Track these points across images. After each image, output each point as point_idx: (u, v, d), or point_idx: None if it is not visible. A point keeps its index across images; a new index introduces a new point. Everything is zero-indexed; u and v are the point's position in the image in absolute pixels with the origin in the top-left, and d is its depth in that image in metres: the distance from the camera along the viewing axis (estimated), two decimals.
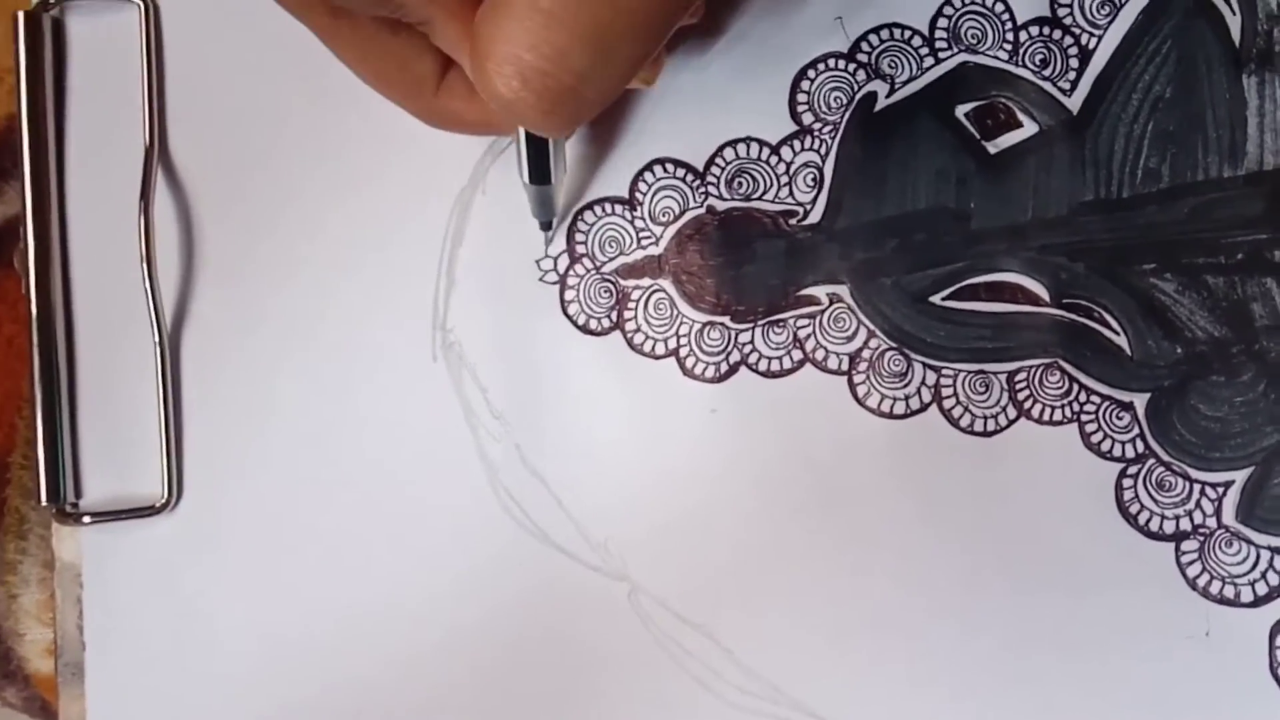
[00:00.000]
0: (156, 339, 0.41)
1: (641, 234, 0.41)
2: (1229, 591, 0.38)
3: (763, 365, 0.40)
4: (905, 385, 0.40)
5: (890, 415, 0.40)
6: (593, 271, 0.41)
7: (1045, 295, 0.39)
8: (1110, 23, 0.40)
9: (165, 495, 0.41)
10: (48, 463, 0.41)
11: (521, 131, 0.35)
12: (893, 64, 0.40)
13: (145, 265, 0.41)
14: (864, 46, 0.40)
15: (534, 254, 0.41)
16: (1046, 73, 0.40)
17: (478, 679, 0.40)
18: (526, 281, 0.41)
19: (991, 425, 0.39)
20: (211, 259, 0.42)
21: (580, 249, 0.41)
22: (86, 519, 0.41)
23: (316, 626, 0.40)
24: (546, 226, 0.41)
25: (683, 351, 0.40)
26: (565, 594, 0.40)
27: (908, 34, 0.40)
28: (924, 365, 0.40)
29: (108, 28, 0.43)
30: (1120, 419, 0.39)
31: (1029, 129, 0.40)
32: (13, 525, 0.48)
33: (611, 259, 0.41)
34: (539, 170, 0.36)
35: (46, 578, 0.44)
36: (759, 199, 0.40)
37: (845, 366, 0.40)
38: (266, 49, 0.42)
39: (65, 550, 0.41)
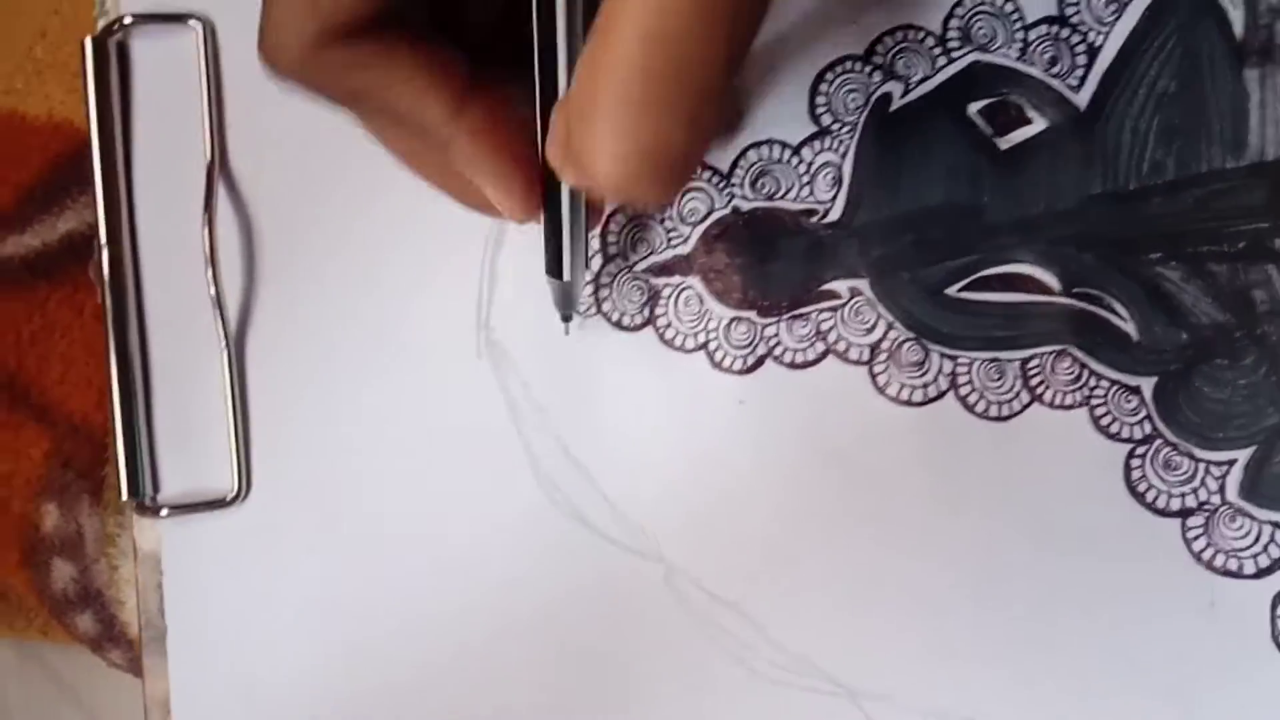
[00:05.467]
0: (223, 342, 0.44)
1: (671, 234, 0.43)
2: (1233, 565, 0.40)
3: (788, 357, 0.42)
4: (923, 374, 0.42)
5: (909, 403, 0.42)
6: (625, 271, 0.43)
7: (1056, 285, 0.41)
8: (1116, 20, 0.41)
9: (236, 488, 0.44)
10: (127, 460, 0.44)
11: (547, 230, 0.36)
12: (907, 65, 0.42)
13: (210, 272, 0.44)
14: (879, 49, 0.42)
15: None
16: (1055, 70, 0.41)
17: (525, 658, 0.43)
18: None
19: (1006, 410, 0.41)
20: (270, 265, 0.45)
21: (613, 249, 0.43)
22: (164, 511, 0.44)
23: (374, 610, 0.44)
24: (567, 319, 0.42)
25: (712, 345, 0.43)
26: (606, 576, 0.43)
27: (921, 35, 0.42)
28: (941, 354, 0.41)
29: (169, 49, 0.46)
30: (1128, 402, 0.41)
31: (1039, 125, 0.41)
32: (112, 501, 0.52)
33: (643, 258, 0.43)
34: (555, 264, 0.37)
35: None
36: (781, 199, 0.42)
37: (866, 357, 0.42)
38: None
39: (145, 540, 0.45)
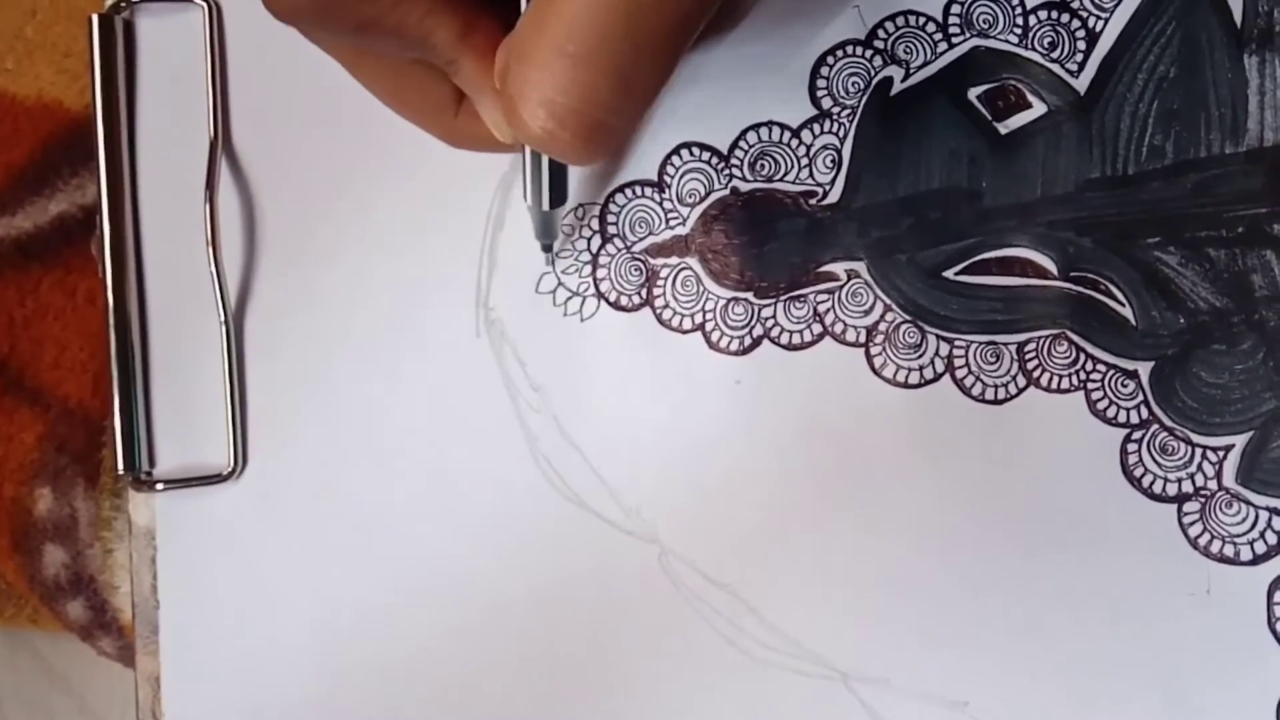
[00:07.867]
0: (222, 318, 0.44)
1: (670, 215, 0.43)
2: (1229, 550, 0.40)
3: (784, 338, 0.42)
4: (919, 356, 0.42)
5: (905, 385, 0.42)
6: (623, 251, 0.43)
7: (1054, 269, 0.41)
8: (1116, 5, 0.41)
9: (231, 464, 0.44)
10: (124, 434, 0.44)
11: (528, 158, 0.37)
12: (908, 49, 0.42)
13: (211, 250, 0.44)
14: (880, 33, 0.42)
15: (569, 238, 0.43)
16: (1055, 55, 0.41)
17: (518, 637, 0.43)
18: (562, 262, 0.43)
19: (1002, 394, 0.41)
20: (271, 244, 0.45)
21: (612, 229, 0.43)
22: (160, 486, 0.44)
23: (369, 587, 0.43)
24: (548, 248, 0.43)
25: (709, 326, 0.43)
26: (600, 556, 0.43)
27: (922, 20, 0.42)
28: (937, 337, 0.41)
29: (174, 28, 0.46)
30: (1125, 387, 0.41)
31: (1038, 109, 0.41)
32: (108, 484, 0.52)
33: (641, 239, 0.43)
34: (535, 190, 0.38)
35: None
36: (780, 180, 0.42)
37: (863, 339, 0.42)
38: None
39: (140, 515, 0.45)
